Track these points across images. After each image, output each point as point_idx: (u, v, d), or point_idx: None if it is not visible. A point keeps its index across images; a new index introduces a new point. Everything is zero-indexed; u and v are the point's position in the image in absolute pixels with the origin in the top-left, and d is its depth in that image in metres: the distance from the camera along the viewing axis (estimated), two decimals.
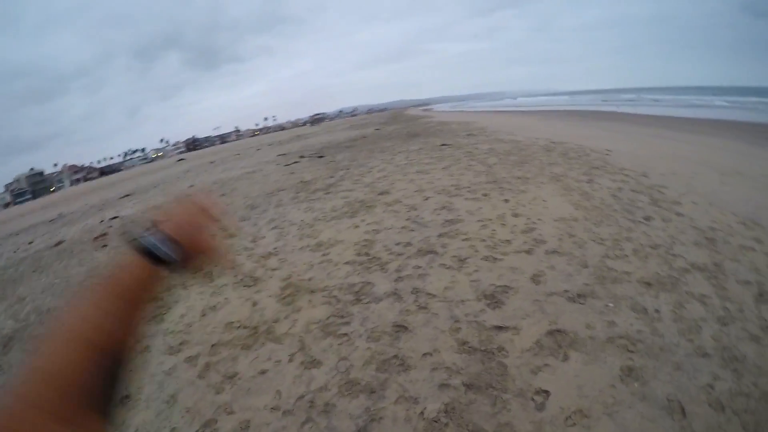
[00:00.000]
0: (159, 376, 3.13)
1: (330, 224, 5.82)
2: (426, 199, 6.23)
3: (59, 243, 8.66)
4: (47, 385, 0.46)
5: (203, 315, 3.90)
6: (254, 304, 3.92)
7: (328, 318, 3.45)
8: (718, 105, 31.89)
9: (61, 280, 5.83)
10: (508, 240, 4.36)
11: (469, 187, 6.54)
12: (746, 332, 2.71)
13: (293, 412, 2.51)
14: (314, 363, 2.92)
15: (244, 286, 4.33)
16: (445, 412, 2.32)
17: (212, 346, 3.36)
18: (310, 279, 4.20)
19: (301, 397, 2.62)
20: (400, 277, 3.90)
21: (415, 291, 3.62)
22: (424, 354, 2.81)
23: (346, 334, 3.18)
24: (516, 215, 5.03)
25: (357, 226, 5.51)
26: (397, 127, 24.71)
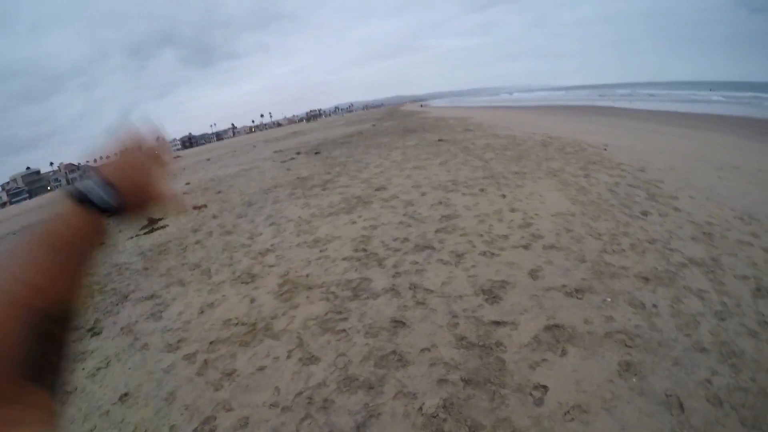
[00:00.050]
0: (157, 373, 3.12)
1: (327, 220, 5.81)
2: (423, 195, 6.22)
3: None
4: None
5: (201, 312, 3.89)
6: (252, 300, 3.91)
7: (326, 314, 3.44)
8: (714, 100, 32.01)
9: None
10: (505, 235, 4.36)
11: (465, 183, 6.53)
12: (744, 327, 2.72)
13: (292, 409, 2.50)
14: (312, 359, 2.91)
15: (242, 283, 4.32)
16: (444, 407, 2.32)
17: (210, 343, 3.36)
18: (307, 275, 4.20)
19: (300, 393, 2.61)
20: (397, 273, 3.90)
21: (413, 286, 3.62)
22: (423, 349, 2.81)
23: (344, 330, 3.18)
24: (513, 210, 5.03)
25: (354, 222, 5.50)
26: (393, 123, 24.67)
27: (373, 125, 25.13)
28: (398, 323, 3.14)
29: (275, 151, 18.03)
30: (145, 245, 6.53)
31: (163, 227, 7.46)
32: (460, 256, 4.03)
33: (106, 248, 0.62)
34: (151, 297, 4.46)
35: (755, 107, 23.52)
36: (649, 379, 2.34)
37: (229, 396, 2.72)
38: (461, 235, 4.47)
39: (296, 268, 4.40)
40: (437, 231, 4.70)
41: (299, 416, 2.44)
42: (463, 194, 5.94)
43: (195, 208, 8.56)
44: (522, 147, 9.32)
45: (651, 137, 11.27)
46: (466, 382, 2.48)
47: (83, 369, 3.39)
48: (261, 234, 5.81)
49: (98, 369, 3.34)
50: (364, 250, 4.54)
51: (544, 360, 2.57)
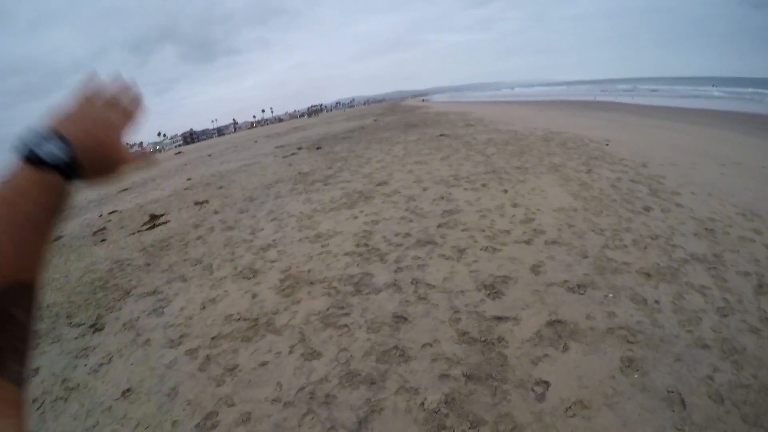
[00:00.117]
0: (160, 369, 3.13)
1: (329, 215, 5.81)
2: (424, 190, 6.21)
3: (58, 238, 8.62)
4: None
5: (203, 308, 3.89)
6: (254, 296, 3.92)
7: (327, 309, 3.44)
8: (715, 96, 31.88)
9: (61, 274, 5.81)
10: (507, 230, 4.36)
11: (467, 178, 6.52)
12: (746, 324, 2.72)
13: (294, 404, 2.51)
14: (314, 354, 2.92)
15: (244, 278, 4.32)
16: (446, 402, 2.33)
17: (212, 338, 3.36)
18: (309, 270, 4.20)
19: (302, 388, 2.62)
20: (399, 268, 3.90)
21: (415, 282, 3.62)
22: (424, 345, 2.82)
23: (346, 326, 3.18)
24: (515, 205, 5.02)
25: (356, 217, 5.50)
26: (394, 118, 24.61)
27: (375, 120, 25.07)
28: (400, 318, 3.14)
29: (277, 147, 18.01)
30: (147, 241, 6.54)
31: (164, 223, 7.47)
32: (461, 251, 4.03)
33: (68, 216, 0.54)
34: (153, 293, 4.47)
35: (757, 103, 23.41)
36: (650, 375, 2.34)
37: (231, 391, 2.72)
38: (463, 230, 4.47)
39: (298, 264, 4.40)
40: (439, 226, 4.70)
41: (301, 411, 2.44)
42: (465, 189, 5.93)
43: (197, 203, 8.56)
44: (524, 142, 9.30)
45: (653, 133, 11.23)
46: (468, 377, 2.48)
47: (85, 365, 3.40)
48: (262, 229, 5.81)
49: (100, 365, 3.35)
50: (366, 245, 4.54)
51: (546, 355, 2.57)
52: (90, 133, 0.52)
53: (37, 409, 3.00)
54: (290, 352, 2.99)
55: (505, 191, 5.60)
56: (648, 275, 3.32)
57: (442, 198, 5.67)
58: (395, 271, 3.86)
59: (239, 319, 3.58)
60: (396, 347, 2.84)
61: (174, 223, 7.30)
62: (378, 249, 4.38)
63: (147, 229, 7.31)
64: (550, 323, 2.85)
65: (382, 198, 6.17)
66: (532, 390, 2.34)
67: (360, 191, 6.80)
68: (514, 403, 2.26)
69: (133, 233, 7.28)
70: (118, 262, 5.79)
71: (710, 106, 21.83)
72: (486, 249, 4.01)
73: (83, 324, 4.12)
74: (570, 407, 2.20)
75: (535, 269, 3.55)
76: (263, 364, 2.93)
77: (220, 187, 9.98)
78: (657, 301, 2.98)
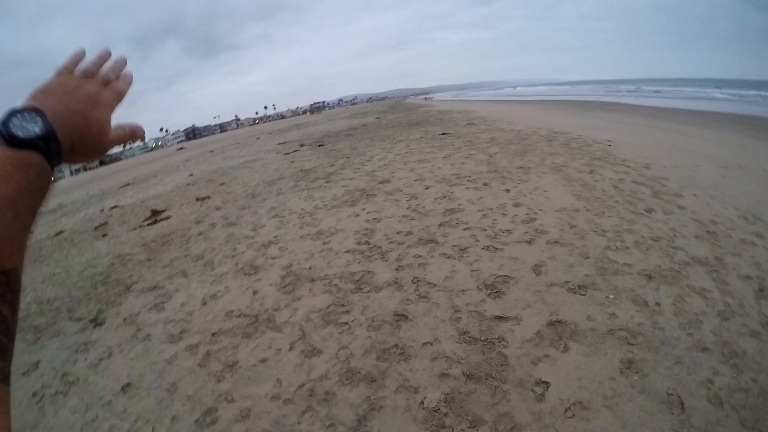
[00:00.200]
0: (159, 364, 3.14)
1: (330, 213, 5.81)
2: (426, 188, 6.21)
3: (60, 233, 8.63)
4: None
5: (204, 303, 3.90)
6: (255, 292, 3.92)
7: (328, 307, 3.45)
8: (719, 98, 31.79)
9: (62, 269, 5.82)
10: (509, 230, 4.35)
11: (469, 177, 6.52)
12: (746, 328, 2.71)
13: (293, 401, 2.51)
14: (315, 352, 2.92)
15: (245, 275, 4.33)
16: (445, 401, 2.33)
17: (213, 334, 3.37)
18: (310, 267, 4.20)
19: (302, 385, 2.63)
20: (400, 266, 3.90)
21: (416, 280, 3.62)
22: (425, 343, 2.82)
23: (346, 323, 3.18)
24: (517, 205, 5.01)
25: (357, 215, 5.50)
26: (397, 116, 24.59)
27: (377, 118, 25.05)
28: (401, 317, 3.14)
29: (279, 143, 18.03)
30: (148, 236, 6.55)
31: (166, 218, 7.48)
32: (463, 250, 4.03)
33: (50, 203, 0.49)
34: (154, 288, 4.48)
35: (761, 106, 23.36)
36: (650, 377, 2.34)
37: (231, 387, 2.73)
38: (465, 229, 4.47)
39: (299, 260, 4.41)
40: (441, 225, 4.70)
41: (301, 408, 2.45)
42: (467, 188, 5.92)
43: (198, 199, 8.57)
44: (526, 141, 9.28)
45: (656, 134, 11.21)
46: (468, 376, 2.48)
47: (86, 359, 3.41)
48: (264, 226, 5.82)
49: (100, 359, 3.36)
50: (368, 243, 4.54)
51: (546, 356, 2.57)
52: (69, 106, 0.49)
53: (37, 402, 3.01)
54: (290, 349, 2.99)
55: (507, 191, 5.59)
56: (649, 277, 3.32)
57: (444, 197, 5.67)
58: (396, 270, 3.86)
59: (240, 315, 3.58)
60: (396, 345, 2.84)
61: (175, 219, 7.31)
62: (379, 247, 4.39)
63: (148, 225, 7.33)
64: (551, 324, 2.85)
65: (384, 196, 6.17)
66: (532, 390, 2.34)
67: (362, 189, 6.80)
68: (513, 403, 2.26)
69: (135, 228, 7.29)
70: (119, 257, 5.80)
71: (713, 108, 21.78)
72: (487, 248, 4.00)
73: (84, 318, 4.13)
74: (569, 408, 2.19)
75: (537, 269, 3.55)
76: (263, 360, 2.94)
77: (222, 184, 9.99)
78: (658, 303, 2.98)
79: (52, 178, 0.47)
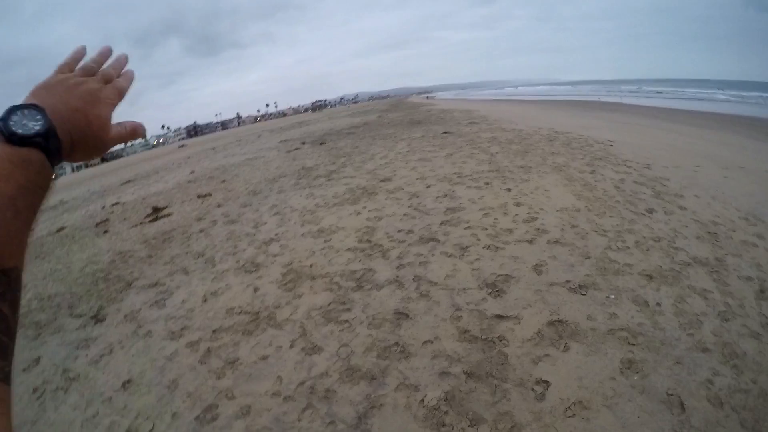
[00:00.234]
0: (160, 361, 3.14)
1: (332, 211, 5.81)
2: (428, 187, 6.21)
3: (61, 229, 8.64)
4: None
5: (204, 300, 3.91)
6: (256, 290, 3.93)
7: (329, 304, 3.45)
8: (720, 99, 31.75)
9: (63, 265, 5.83)
10: (510, 229, 4.35)
11: (471, 176, 6.51)
12: (747, 329, 2.71)
13: (294, 398, 2.52)
14: (315, 349, 2.93)
15: (246, 272, 4.33)
16: (446, 400, 2.33)
17: (213, 331, 3.37)
18: (311, 265, 4.20)
19: (302, 383, 2.63)
20: (401, 265, 3.90)
21: (417, 278, 3.62)
22: (425, 342, 2.82)
23: (347, 321, 3.19)
24: (518, 204, 5.01)
25: (359, 213, 5.50)
26: (399, 115, 24.56)
27: (379, 116, 25.03)
28: (401, 315, 3.15)
29: (280, 141, 18.02)
30: (150, 233, 6.56)
31: (167, 215, 7.48)
32: (464, 249, 4.03)
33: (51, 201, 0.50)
34: (155, 285, 4.48)
35: (762, 107, 23.33)
36: (650, 377, 2.34)
37: (232, 384, 2.74)
38: (466, 228, 4.47)
39: (300, 258, 4.41)
40: (442, 223, 4.70)
41: (301, 406, 2.45)
42: (468, 187, 5.92)
43: (200, 196, 8.57)
44: (527, 141, 9.27)
45: (657, 134, 11.20)
46: (468, 375, 2.49)
47: (86, 356, 3.42)
48: (265, 223, 5.82)
49: (101, 356, 3.37)
50: (369, 241, 4.54)
51: (547, 355, 2.57)
52: (69, 103, 0.49)
53: (38, 398, 3.02)
54: (291, 347, 3.00)
55: (509, 190, 5.59)
56: (650, 277, 3.32)
57: (446, 195, 5.67)
58: (397, 268, 3.86)
59: (240, 312, 3.59)
60: (397, 344, 2.84)
61: (177, 216, 7.31)
62: (380, 245, 4.39)
63: (150, 222, 7.33)
64: (551, 323, 2.85)
65: (386, 194, 6.17)
66: (532, 389, 2.34)
67: (363, 187, 6.79)
68: (513, 402, 2.27)
69: (136, 225, 7.30)
70: (120, 253, 5.81)
71: (715, 109, 21.75)
72: (488, 247, 4.00)
73: (84, 315, 4.14)
74: (569, 407, 2.20)
75: (537, 269, 3.55)
76: (264, 357, 2.94)
77: (224, 181, 9.99)
78: (658, 304, 2.98)
79: (53, 176, 0.47)
